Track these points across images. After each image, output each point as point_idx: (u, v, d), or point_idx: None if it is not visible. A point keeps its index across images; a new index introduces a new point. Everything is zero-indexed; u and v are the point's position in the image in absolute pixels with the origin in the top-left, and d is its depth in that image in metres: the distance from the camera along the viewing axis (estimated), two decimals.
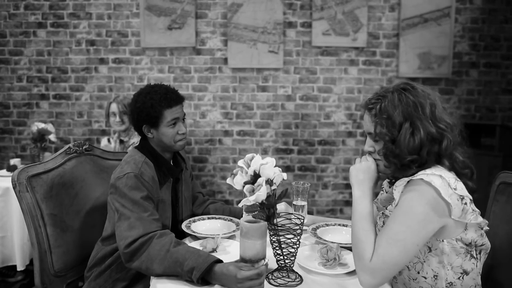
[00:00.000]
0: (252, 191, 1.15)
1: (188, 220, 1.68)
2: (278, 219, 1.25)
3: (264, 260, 1.20)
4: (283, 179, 1.20)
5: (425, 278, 1.19)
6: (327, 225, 1.63)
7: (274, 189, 1.19)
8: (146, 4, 3.57)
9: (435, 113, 1.18)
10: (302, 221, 1.26)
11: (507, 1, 3.63)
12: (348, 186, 3.75)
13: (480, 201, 1.29)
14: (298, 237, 1.23)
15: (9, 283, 2.77)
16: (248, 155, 1.20)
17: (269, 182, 1.17)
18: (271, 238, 1.25)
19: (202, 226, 1.64)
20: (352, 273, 1.27)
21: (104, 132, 3.72)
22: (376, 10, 3.62)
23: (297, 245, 1.24)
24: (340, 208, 3.79)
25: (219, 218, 1.71)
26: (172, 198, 1.65)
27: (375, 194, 1.29)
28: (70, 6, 3.62)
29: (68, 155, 1.72)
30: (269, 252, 1.27)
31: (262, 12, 3.58)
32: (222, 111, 3.71)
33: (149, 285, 1.29)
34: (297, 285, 1.21)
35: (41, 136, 2.94)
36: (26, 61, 3.67)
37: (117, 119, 2.92)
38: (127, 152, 1.69)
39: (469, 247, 1.17)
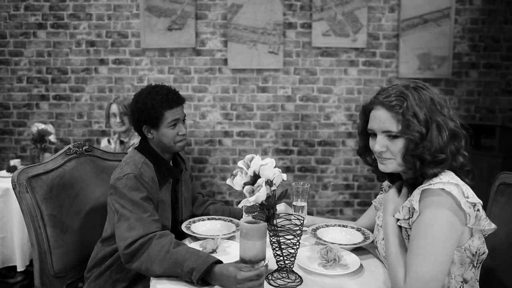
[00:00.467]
0: (252, 192, 1.15)
1: (188, 221, 1.67)
2: (278, 220, 1.24)
3: (264, 261, 1.20)
4: (283, 180, 1.20)
5: None
6: (327, 225, 1.62)
7: (274, 190, 1.19)
8: (146, 5, 3.58)
9: (450, 111, 1.19)
10: (302, 221, 1.25)
11: (506, 2, 3.63)
12: (348, 187, 3.75)
13: None
14: (298, 238, 1.23)
15: (9, 284, 2.77)
16: (248, 156, 1.20)
17: (269, 183, 1.17)
18: (271, 239, 1.24)
19: (202, 227, 1.64)
20: (352, 274, 1.27)
21: (104, 133, 3.72)
22: (376, 11, 3.62)
23: (297, 246, 1.23)
24: (340, 209, 3.79)
25: (219, 219, 1.71)
26: (172, 199, 1.65)
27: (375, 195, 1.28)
28: (70, 7, 3.62)
29: (68, 156, 1.72)
30: (269, 252, 1.27)
31: (262, 13, 3.58)
32: (222, 112, 3.71)
33: (149, 286, 1.29)
34: (297, 286, 1.21)
35: (41, 137, 2.94)
36: (26, 62, 3.67)
37: (117, 120, 2.92)
38: (127, 153, 1.69)
39: (473, 258, 1.17)
